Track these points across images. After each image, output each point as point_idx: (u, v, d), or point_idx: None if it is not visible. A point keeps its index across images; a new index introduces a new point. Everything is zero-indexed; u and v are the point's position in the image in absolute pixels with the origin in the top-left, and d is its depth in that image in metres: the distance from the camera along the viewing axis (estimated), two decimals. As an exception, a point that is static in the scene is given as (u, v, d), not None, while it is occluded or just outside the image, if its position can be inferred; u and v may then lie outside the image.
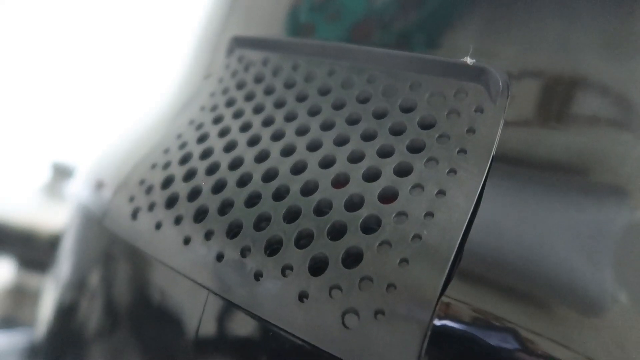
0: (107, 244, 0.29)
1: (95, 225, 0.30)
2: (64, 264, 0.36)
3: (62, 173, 0.85)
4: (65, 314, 0.34)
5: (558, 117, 0.21)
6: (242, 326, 0.21)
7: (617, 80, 0.21)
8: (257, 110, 0.27)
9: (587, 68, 0.21)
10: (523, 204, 0.20)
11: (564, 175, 0.20)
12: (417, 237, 0.19)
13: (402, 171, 0.21)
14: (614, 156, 0.20)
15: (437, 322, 0.18)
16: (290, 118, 0.26)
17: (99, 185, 0.32)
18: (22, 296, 0.76)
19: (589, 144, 0.20)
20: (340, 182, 0.22)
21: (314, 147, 0.24)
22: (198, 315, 0.22)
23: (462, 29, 0.24)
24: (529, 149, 0.21)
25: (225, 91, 0.29)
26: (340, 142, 0.23)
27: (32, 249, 0.77)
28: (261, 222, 0.22)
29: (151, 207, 0.25)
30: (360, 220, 0.20)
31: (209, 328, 0.22)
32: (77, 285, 0.32)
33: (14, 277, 0.77)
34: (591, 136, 0.20)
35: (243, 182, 0.24)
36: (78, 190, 0.37)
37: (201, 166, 0.25)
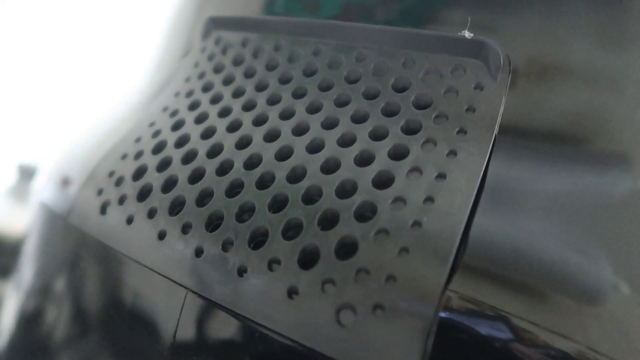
0: (74, 243, 0.27)
1: (60, 223, 0.28)
2: (27, 268, 0.33)
3: (29, 175, 0.82)
4: (30, 321, 0.31)
5: (557, 89, 0.20)
6: (225, 327, 0.19)
7: (616, 48, 0.20)
8: (237, 94, 0.25)
9: (584, 38, 0.20)
10: (528, 187, 0.18)
11: (568, 150, 0.19)
12: (417, 224, 0.17)
13: (398, 154, 0.19)
14: (615, 122, 0.19)
15: (442, 317, 0.16)
16: (273, 101, 0.24)
17: (65, 183, 0.30)
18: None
19: (591, 112, 0.19)
20: (330, 167, 0.20)
21: (300, 131, 0.22)
22: (175, 316, 0.20)
23: (456, 1, 0.22)
24: (531, 126, 0.19)
25: (201, 76, 0.27)
26: (329, 125, 0.21)
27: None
28: (244, 213, 0.20)
29: (122, 200, 0.23)
30: (354, 208, 0.18)
31: (187, 330, 0.20)
32: (42, 290, 0.30)
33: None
34: (592, 104, 0.19)
35: (223, 170, 0.22)
36: (42, 187, 0.34)
37: (176, 155, 0.23)
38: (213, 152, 0.23)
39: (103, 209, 0.24)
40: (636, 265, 0.17)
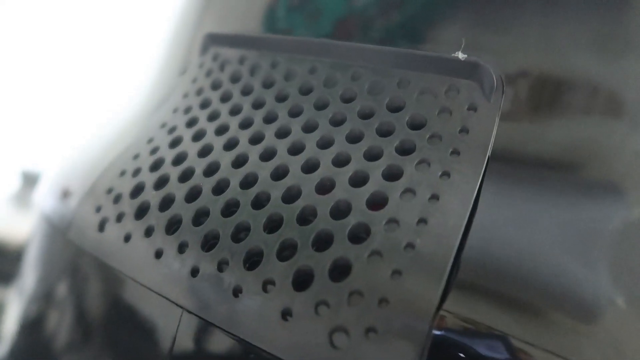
0: (72, 258, 0.27)
1: (60, 238, 0.28)
2: (28, 278, 0.33)
3: (32, 181, 0.82)
4: (29, 333, 0.32)
5: (551, 112, 0.20)
6: (220, 347, 0.19)
7: (609, 73, 0.20)
8: (234, 111, 0.25)
9: (578, 61, 0.20)
10: (521, 208, 0.18)
11: (561, 173, 0.19)
12: (410, 246, 0.17)
13: (392, 175, 0.20)
14: (608, 149, 0.19)
15: (435, 340, 0.16)
16: (269, 120, 0.24)
17: (65, 194, 0.30)
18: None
19: (584, 138, 0.19)
20: (325, 187, 0.20)
21: (295, 150, 0.22)
22: (171, 335, 0.20)
23: (451, 23, 0.22)
24: (524, 148, 0.20)
25: (199, 92, 0.27)
26: (324, 144, 0.22)
27: (1, 261, 0.73)
28: (240, 233, 0.20)
29: (119, 217, 0.23)
30: (348, 229, 0.18)
31: (183, 350, 0.20)
32: (41, 303, 0.30)
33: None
34: (585, 129, 0.19)
35: (219, 189, 0.22)
36: (42, 199, 0.34)
37: (174, 173, 0.24)
38: (210, 171, 0.23)
39: (101, 226, 0.24)
40: (631, 284, 0.17)
